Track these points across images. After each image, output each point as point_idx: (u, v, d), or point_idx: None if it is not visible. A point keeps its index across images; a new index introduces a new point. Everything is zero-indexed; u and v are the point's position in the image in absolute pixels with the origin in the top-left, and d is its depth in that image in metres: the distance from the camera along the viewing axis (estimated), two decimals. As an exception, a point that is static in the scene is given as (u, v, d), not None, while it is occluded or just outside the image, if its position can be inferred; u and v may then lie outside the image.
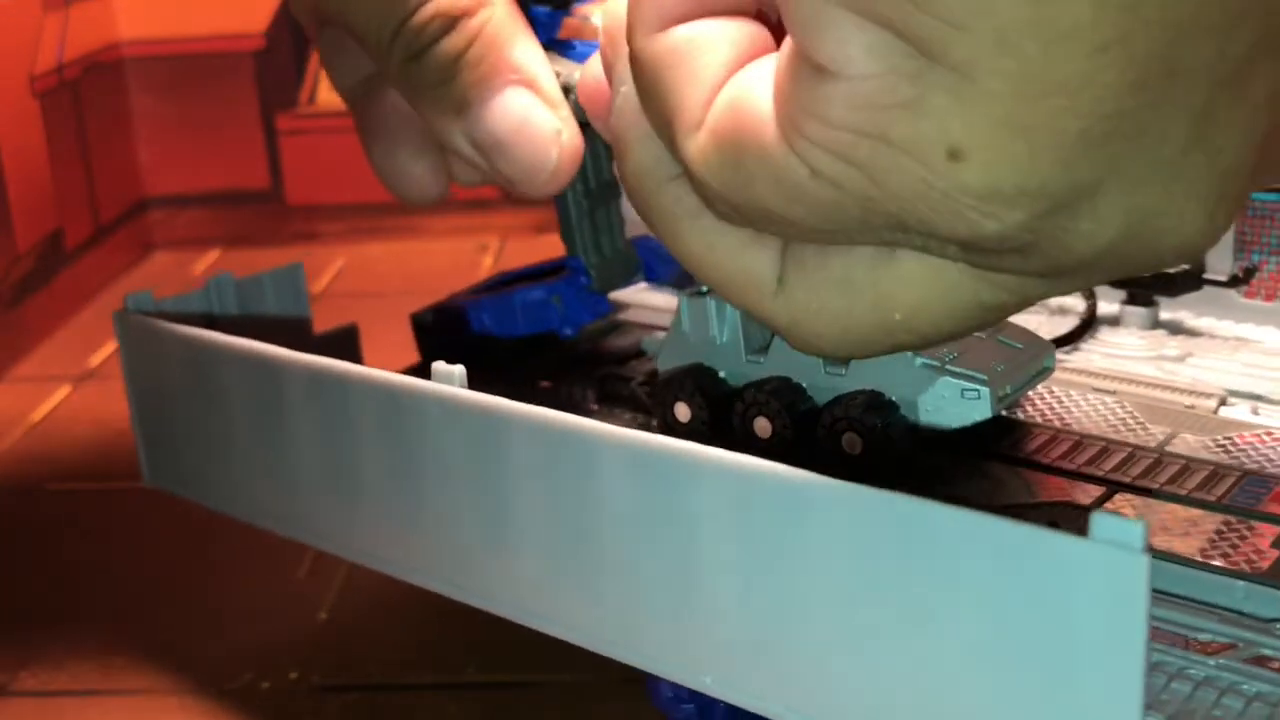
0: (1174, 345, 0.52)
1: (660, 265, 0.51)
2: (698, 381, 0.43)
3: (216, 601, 0.56)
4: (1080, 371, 0.49)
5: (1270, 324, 0.54)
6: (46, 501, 0.66)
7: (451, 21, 0.40)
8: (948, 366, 0.39)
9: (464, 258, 1.02)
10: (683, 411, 0.43)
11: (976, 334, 0.41)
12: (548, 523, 0.37)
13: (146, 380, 0.49)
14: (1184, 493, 0.39)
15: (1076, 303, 0.57)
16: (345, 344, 0.56)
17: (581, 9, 0.45)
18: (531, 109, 0.41)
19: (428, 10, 0.40)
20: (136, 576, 0.58)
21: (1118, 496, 0.39)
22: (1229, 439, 0.43)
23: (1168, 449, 0.42)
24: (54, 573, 0.60)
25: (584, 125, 0.47)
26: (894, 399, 0.39)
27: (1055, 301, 0.58)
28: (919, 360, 0.39)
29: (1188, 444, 0.42)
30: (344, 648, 0.53)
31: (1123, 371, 0.49)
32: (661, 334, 0.46)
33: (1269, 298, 0.54)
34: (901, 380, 0.40)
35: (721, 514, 0.32)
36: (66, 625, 0.56)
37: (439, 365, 0.38)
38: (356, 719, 0.49)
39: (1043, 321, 0.56)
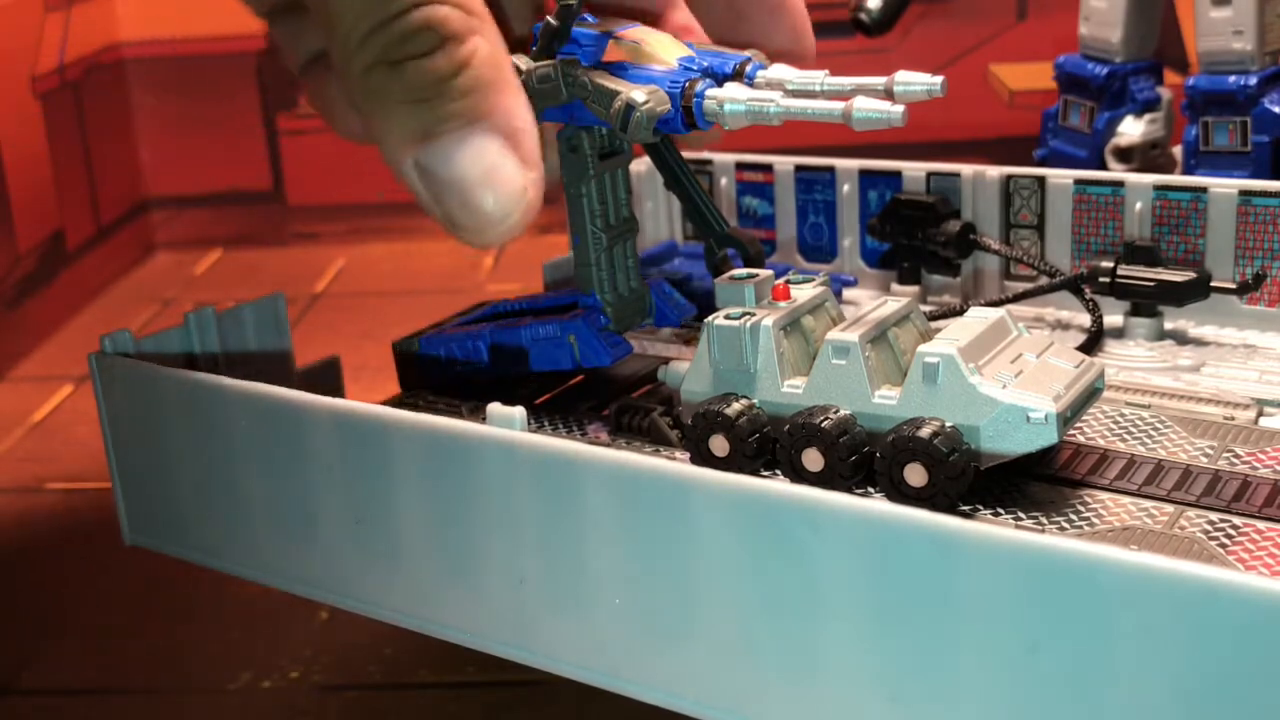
0: (1185, 355, 0.52)
1: (670, 309, 0.49)
2: (736, 412, 0.40)
3: (217, 601, 0.56)
4: (1108, 385, 0.48)
5: (1273, 330, 0.54)
6: (46, 501, 0.66)
7: (441, 40, 0.36)
8: (1010, 391, 0.38)
9: (464, 258, 1.02)
10: (719, 445, 0.41)
11: (1027, 355, 0.40)
12: (632, 578, 0.34)
13: (131, 429, 0.45)
14: (1255, 509, 0.38)
15: (1074, 316, 0.57)
16: (328, 377, 0.54)
17: (629, 33, 0.43)
18: (504, 159, 0.37)
19: (417, 17, 0.36)
20: (137, 576, 0.58)
21: (1185, 516, 0.38)
22: (1278, 450, 0.42)
23: (1221, 465, 0.41)
24: (54, 572, 0.60)
25: (610, 155, 0.45)
26: (953, 426, 0.38)
27: (1054, 315, 0.57)
28: (979, 386, 0.38)
29: (1240, 458, 0.42)
30: (344, 648, 0.53)
31: (1148, 385, 0.48)
32: (676, 362, 0.45)
33: (1272, 304, 0.54)
34: (959, 406, 0.38)
35: (854, 570, 0.30)
36: (67, 625, 0.56)
37: (496, 407, 0.36)
38: (356, 719, 0.49)
39: (1048, 337, 0.55)
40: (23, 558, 0.62)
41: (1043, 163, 0.72)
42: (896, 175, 0.61)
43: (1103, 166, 0.68)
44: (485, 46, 0.37)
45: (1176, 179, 0.56)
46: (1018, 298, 0.56)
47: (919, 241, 0.59)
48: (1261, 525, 0.37)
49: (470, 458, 0.36)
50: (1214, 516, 0.38)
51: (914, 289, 0.60)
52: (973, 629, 0.29)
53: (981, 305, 0.48)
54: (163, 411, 0.44)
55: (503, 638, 0.37)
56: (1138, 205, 0.55)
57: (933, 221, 0.58)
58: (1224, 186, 0.54)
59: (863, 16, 0.69)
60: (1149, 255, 0.54)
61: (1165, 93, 0.70)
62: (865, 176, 0.62)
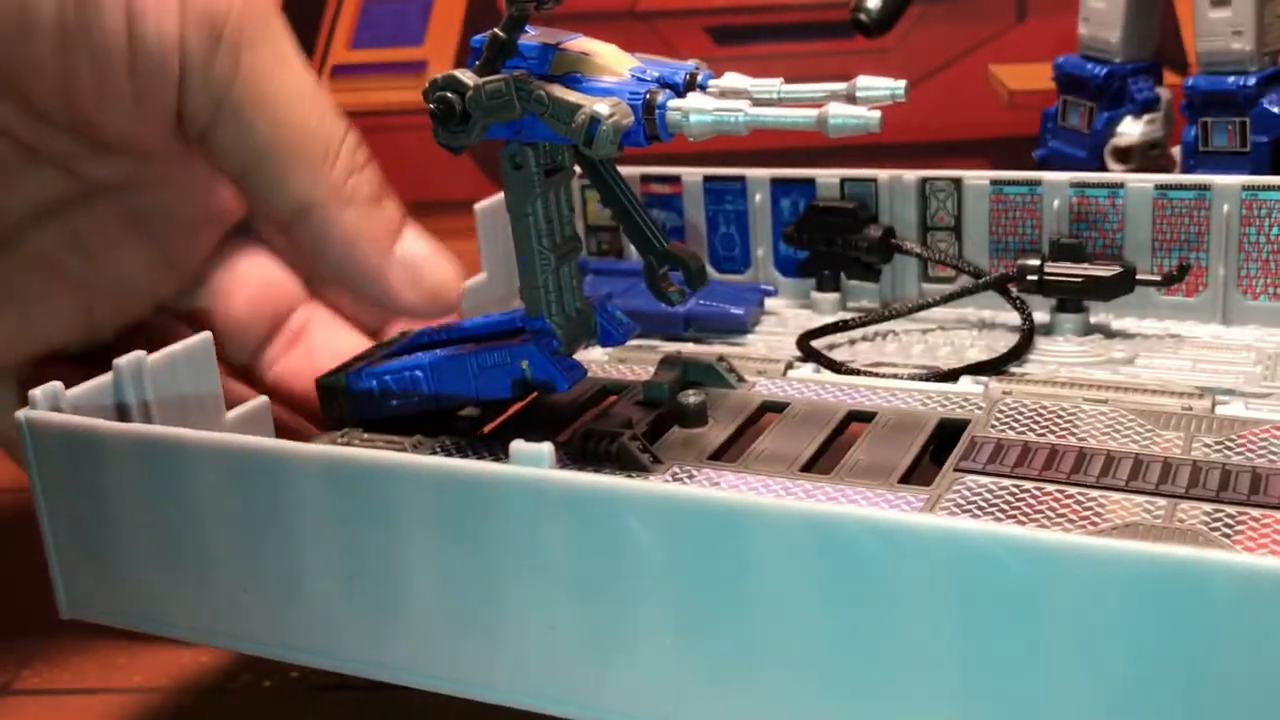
0: (1117, 349, 0.52)
1: (615, 329, 0.47)
2: None
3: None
4: (1055, 383, 0.48)
5: (1192, 318, 0.54)
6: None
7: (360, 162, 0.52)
8: None
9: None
10: None
11: None
12: (685, 618, 0.32)
13: (69, 491, 0.42)
14: (1244, 497, 0.38)
15: (997, 315, 0.57)
16: (258, 421, 0.51)
17: (575, 45, 0.42)
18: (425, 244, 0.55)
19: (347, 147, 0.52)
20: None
21: (1180, 509, 0.38)
22: (1243, 438, 0.42)
23: (1195, 456, 0.41)
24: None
25: (553, 171, 0.44)
26: None
27: (976, 315, 0.58)
28: None
29: (1211, 447, 0.42)
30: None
31: (1097, 379, 0.48)
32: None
33: (1189, 294, 0.54)
34: None
35: (940, 591, 0.29)
36: (68, 624, 0.56)
37: (520, 444, 0.34)
38: (356, 719, 0.49)
39: (976, 337, 0.55)
40: (24, 557, 0.61)
41: (1042, 163, 0.72)
42: (810, 183, 0.60)
43: (1102, 167, 0.69)
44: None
45: (1096, 176, 0.56)
46: (944, 300, 0.56)
47: (838, 248, 0.59)
48: (1255, 512, 0.38)
49: (492, 500, 0.34)
50: (1207, 507, 0.38)
51: (834, 296, 0.60)
52: (1074, 643, 0.28)
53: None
54: (110, 470, 0.41)
55: (529, 689, 0.35)
56: (1055, 203, 0.56)
57: (853, 227, 0.58)
58: (1140, 181, 0.55)
59: (862, 16, 0.69)
60: (1074, 252, 0.54)
61: (1164, 93, 0.70)
62: (777, 185, 0.61)
